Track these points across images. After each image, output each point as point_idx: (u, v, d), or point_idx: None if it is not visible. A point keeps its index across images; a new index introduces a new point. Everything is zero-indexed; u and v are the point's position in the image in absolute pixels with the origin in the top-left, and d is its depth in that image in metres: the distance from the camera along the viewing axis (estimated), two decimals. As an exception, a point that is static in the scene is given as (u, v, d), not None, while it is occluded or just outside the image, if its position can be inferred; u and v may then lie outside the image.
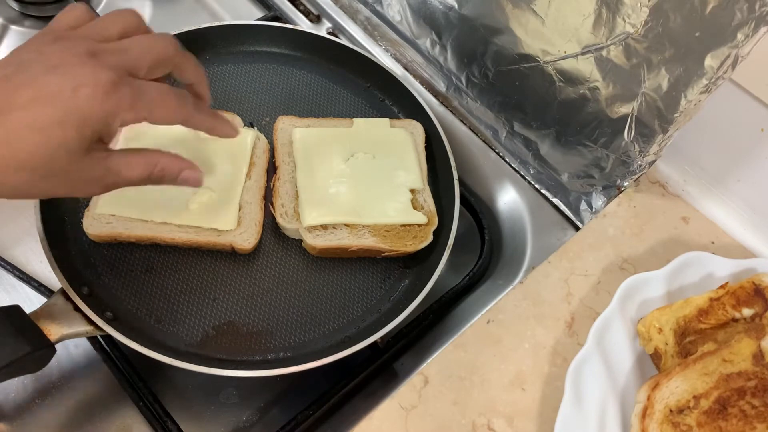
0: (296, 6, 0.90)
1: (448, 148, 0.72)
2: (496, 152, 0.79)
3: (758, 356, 0.53)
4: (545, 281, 0.64)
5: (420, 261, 0.67)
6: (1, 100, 0.43)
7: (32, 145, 0.42)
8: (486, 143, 0.80)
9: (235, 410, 0.64)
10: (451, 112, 0.82)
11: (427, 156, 0.73)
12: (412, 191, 0.69)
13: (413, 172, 0.70)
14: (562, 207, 0.75)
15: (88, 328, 0.56)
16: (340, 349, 0.58)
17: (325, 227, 0.65)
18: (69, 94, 0.43)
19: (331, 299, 0.65)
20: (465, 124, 0.81)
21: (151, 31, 0.52)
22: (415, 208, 0.68)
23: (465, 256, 0.73)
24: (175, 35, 0.74)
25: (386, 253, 0.65)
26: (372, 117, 0.76)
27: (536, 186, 0.76)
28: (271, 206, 0.67)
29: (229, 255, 0.65)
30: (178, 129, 0.68)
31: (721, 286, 0.58)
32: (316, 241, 0.64)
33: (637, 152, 0.64)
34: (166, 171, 0.50)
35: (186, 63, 0.52)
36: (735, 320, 0.57)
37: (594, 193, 0.72)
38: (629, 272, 0.65)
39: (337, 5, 0.89)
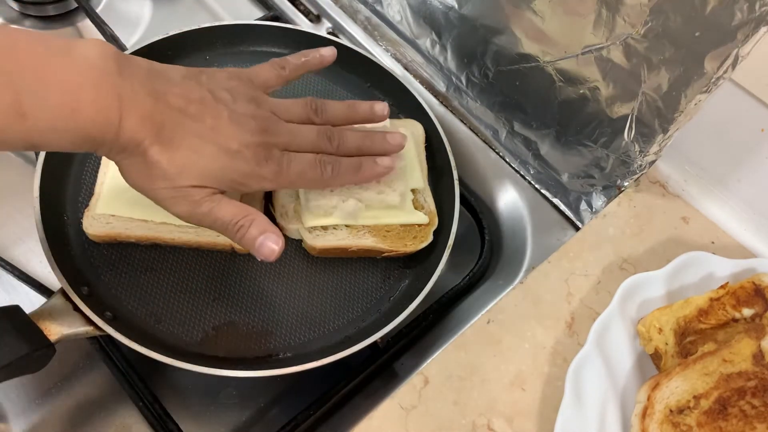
0: (296, 6, 0.90)
1: (448, 148, 0.72)
2: (496, 152, 0.79)
3: (758, 356, 0.53)
4: (545, 281, 0.64)
5: (420, 261, 0.67)
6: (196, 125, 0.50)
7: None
8: (486, 143, 0.80)
9: (235, 410, 0.64)
10: (451, 112, 0.82)
11: (427, 156, 0.73)
12: (413, 191, 0.69)
13: (413, 171, 0.70)
14: (562, 207, 0.75)
15: (88, 328, 0.56)
16: (340, 349, 0.58)
17: (325, 227, 0.65)
18: (234, 150, 0.52)
19: (331, 299, 0.65)
20: (465, 124, 0.81)
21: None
22: (415, 208, 0.68)
23: (465, 256, 0.73)
24: (175, 35, 0.75)
25: (386, 253, 0.65)
26: (372, 117, 0.76)
27: (536, 186, 0.76)
28: (271, 206, 0.67)
29: (229, 255, 0.65)
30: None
31: (721, 286, 0.58)
32: (316, 241, 0.64)
33: (637, 152, 0.64)
34: (251, 224, 0.53)
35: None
36: (735, 320, 0.57)
37: (594, 193, 0.72)
38: (629, 272, 0.65)
39: (337, 5, 0.89)
